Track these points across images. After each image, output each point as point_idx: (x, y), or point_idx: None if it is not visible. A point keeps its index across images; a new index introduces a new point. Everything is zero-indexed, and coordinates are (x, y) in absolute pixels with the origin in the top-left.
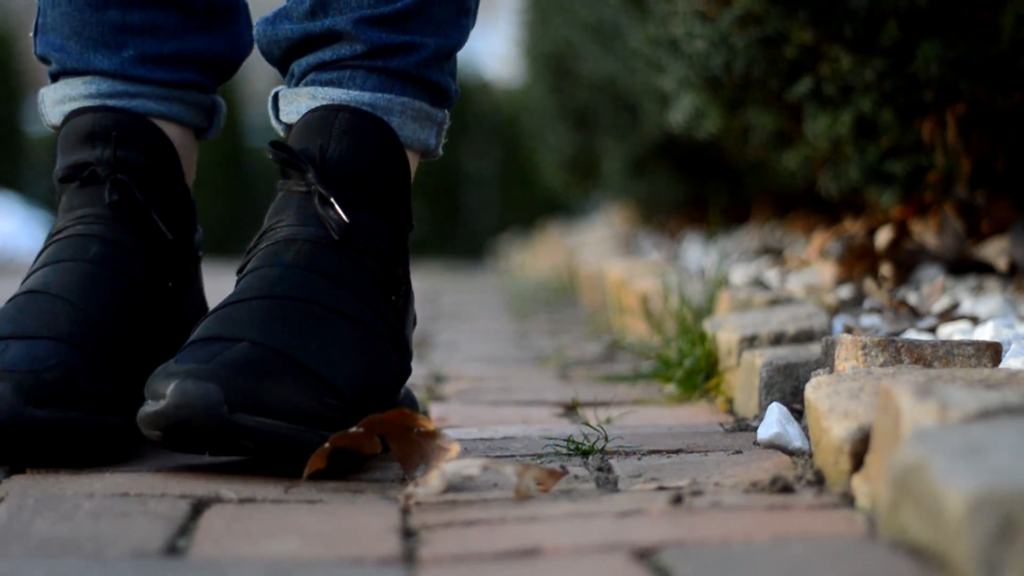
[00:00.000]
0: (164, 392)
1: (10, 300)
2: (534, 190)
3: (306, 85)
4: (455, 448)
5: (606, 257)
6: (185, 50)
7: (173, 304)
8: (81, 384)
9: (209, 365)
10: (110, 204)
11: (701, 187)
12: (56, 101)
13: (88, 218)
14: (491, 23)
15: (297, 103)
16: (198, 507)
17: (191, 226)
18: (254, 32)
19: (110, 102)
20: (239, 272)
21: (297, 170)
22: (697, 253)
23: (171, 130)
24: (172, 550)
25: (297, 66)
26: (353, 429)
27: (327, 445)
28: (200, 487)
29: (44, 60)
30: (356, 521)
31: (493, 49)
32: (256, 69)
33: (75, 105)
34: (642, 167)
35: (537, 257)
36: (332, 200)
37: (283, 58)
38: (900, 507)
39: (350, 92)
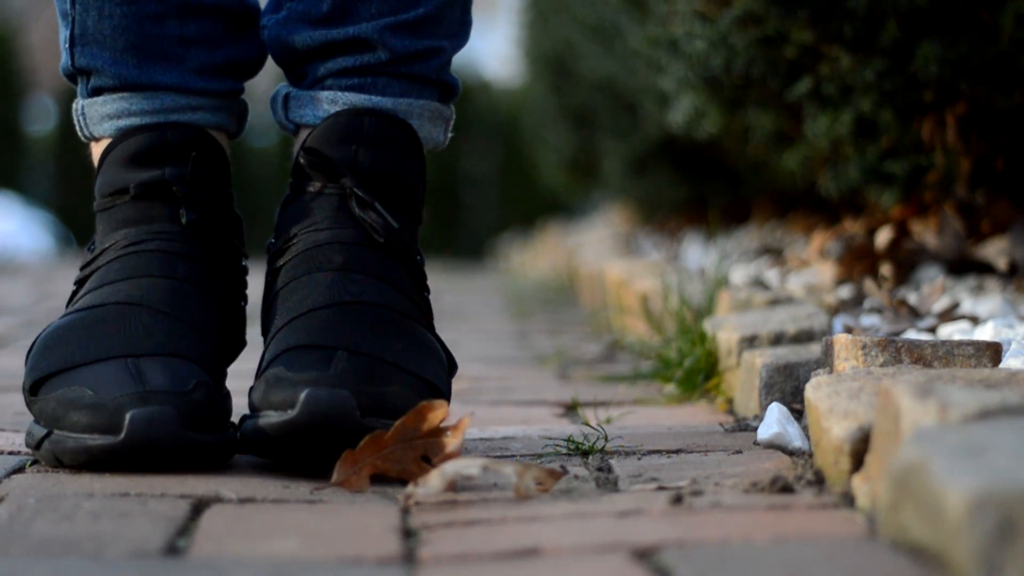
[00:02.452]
0: (294, 401)
1: (99, 306)
2: (534, 190)
3: (324, 89)
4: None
5: (606, 257)
6: (231, 58)
7: (243, 319)
8: (217, 404)
9: (331, 372)
10: (188, 223)
11: (701, 187)
12: (108, 116)
13: (166, 235)
14: (491, 23)
15: (314, 106)
16: (198, 507)
17: (241, 238)
18: (264, 33)
19: (173, 116)
20: (272, 269)
21: (326, 173)
22: (697, 253)
23: (222, 140)
24: (172, 550)
25: (313, 69)
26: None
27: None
28: (200, 487)
29: (83, 72)
30: (356, 521)
31: (493, 49)
32: None
33: (136, 120)
34: (642, 167)
35: (537, 257)
36: (376, 204)
37: (297, 61)
38: (900, 507)
39: (372, 97)
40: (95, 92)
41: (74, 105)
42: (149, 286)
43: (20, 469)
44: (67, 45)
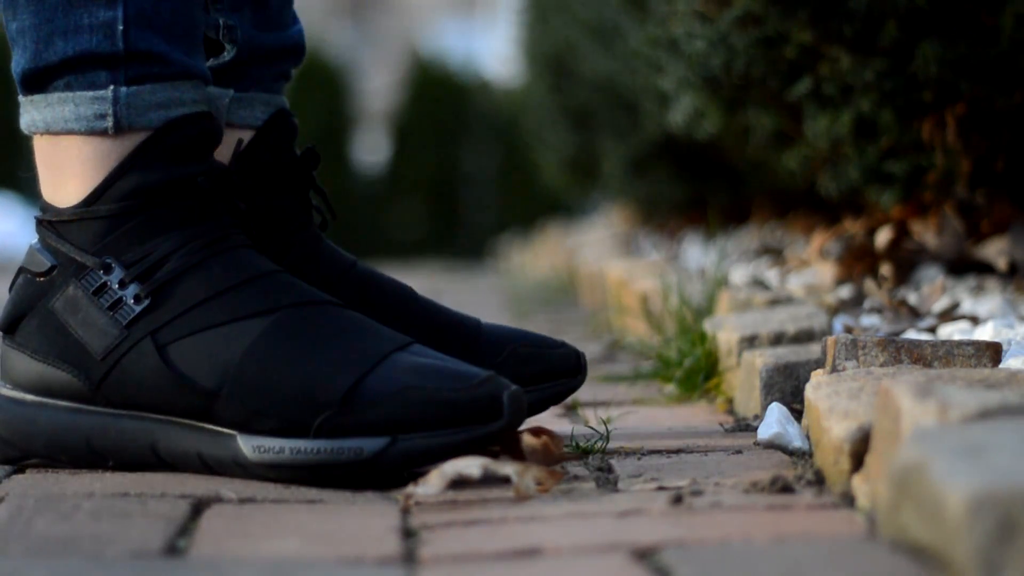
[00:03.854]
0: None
1: (281, 309)
2: (534, 190)
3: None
4: None
5: (606, 257)
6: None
7: None
8: None
9: (491, 371)
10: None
11: (701, 187)
12: (157, 105)
13: (237, 230)
14: (491, 23)
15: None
16: (198, 507)
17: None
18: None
19: (209, 108)
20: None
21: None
22: (697, 253)
23: (248, 133)
24: (172, 550)
25: None
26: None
27: None
28: (200, 487)
29: (135, 57)
30: (356, 521)
31: (493, 49)
32: None
33: (185, 110)
34: (642, 167)
35: (537, 257)
36: None
37: None
38: (900, 507)
39: None
40: (144, 79)
41: (102, 94)
42: (299, 284)
43: (20, 469)
44: (120, 27)
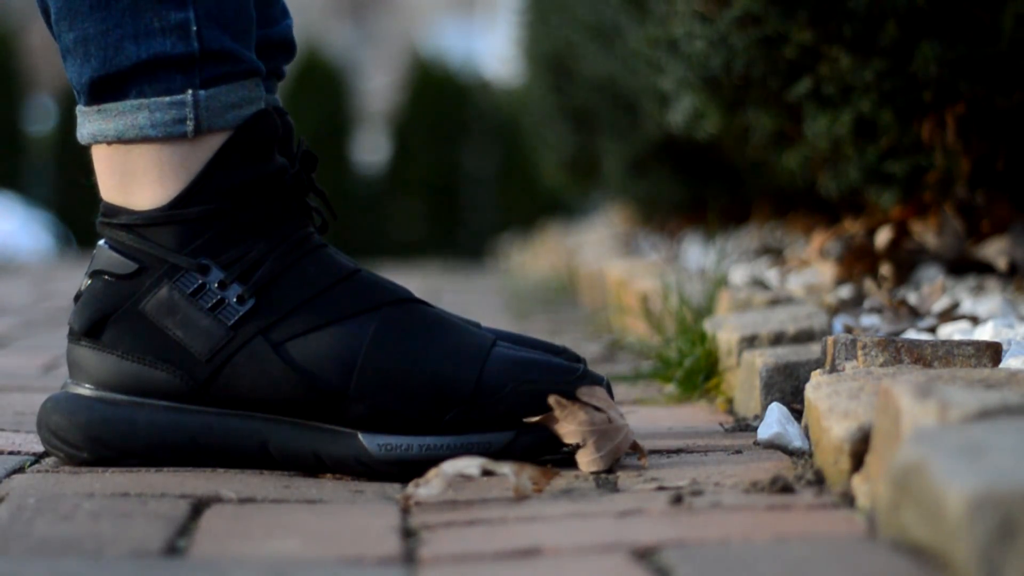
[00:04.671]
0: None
1: (384, 306)
2: (534, 190)
3: None
4: None
5: (606, 257)
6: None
7: None
8: None
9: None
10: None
11: (701, 187)
12: (232, 105)
13: (312, 229)
14: (491, 23)
15: None
16: (198, 507)
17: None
18: None
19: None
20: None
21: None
22: (697, 253)
23: None
24: (172, 550)
25: None
26: None
27: None
28: (200, 487)
29: (210, 58)
30: (356, 521)
31: (493, 49)
32: None
33: (254, 108)
34: (642, 167)
35: (537, 257)
36: None
37: None
38: (900, 507)
39: None
40: (219, 80)
41: (180, 98)
42: (385, 281)
43: (20, 469)
44: (194, 28)
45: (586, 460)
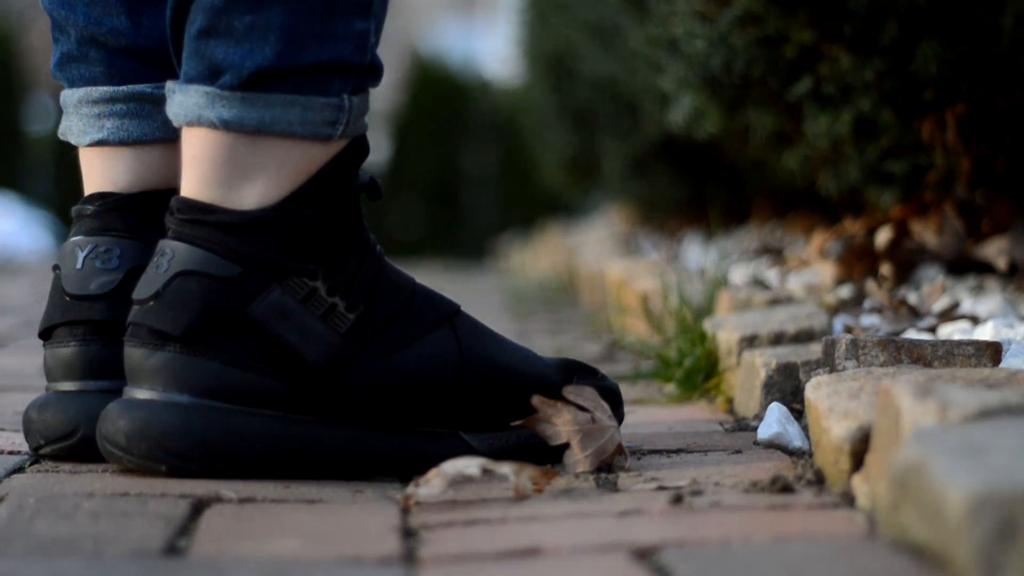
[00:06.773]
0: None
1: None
2: (534, 190)
3: None
4: None
5: (606, 257)
6: None
7: None
8: None
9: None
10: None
11: (701, 187)
12: (362, 114)
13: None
14: (491, 23)
15: None
16: (198, 507)
17: None
18: None
19: None
20: None
21: None
22: (697, 253)
23: None
24: (172, 550)
25: None
26: None
27: None
28: (200, 487)
29: (369, 69)
30: (356, 521)
31: (493, 49)
32: None
33: (366, 119)
34: (642, 167)
35: (537, 257)
36: None
37: None
38: (900, 507)
39: None
40: (361, 89)
41: (336, 101)
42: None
43: (20, 469)
44: (372, 40)
45: (571, 460)
